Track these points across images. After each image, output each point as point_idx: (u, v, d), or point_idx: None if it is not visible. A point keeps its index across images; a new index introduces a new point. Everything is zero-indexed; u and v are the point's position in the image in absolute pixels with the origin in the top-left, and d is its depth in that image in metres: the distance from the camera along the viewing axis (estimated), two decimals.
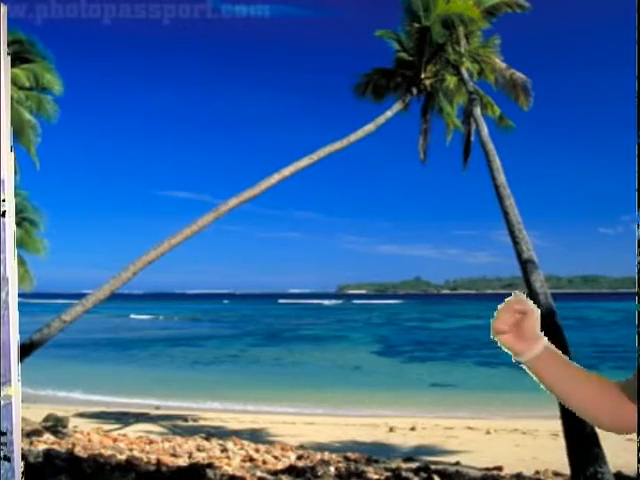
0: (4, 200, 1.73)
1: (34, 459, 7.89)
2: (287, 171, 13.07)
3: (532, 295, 9.44)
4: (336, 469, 9.47)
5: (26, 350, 10.46)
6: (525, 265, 9.74)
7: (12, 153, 1.78)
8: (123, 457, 9.26)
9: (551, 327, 9.06)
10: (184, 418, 16.33)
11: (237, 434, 13.79)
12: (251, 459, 10.46)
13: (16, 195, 1.87)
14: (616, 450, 9.42)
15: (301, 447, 12.39)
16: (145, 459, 9.33)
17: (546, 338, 1.25)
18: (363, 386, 23.02)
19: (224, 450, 11.31)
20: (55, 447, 9.73)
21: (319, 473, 8.96)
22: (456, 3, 14.07)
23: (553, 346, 1.26)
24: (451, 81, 14.98)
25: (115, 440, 11.71)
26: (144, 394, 20.13)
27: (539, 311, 1.24)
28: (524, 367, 1.26)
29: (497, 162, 11.05)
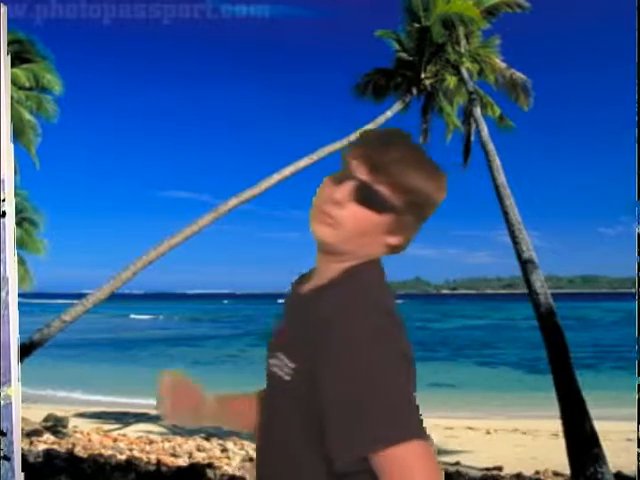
0: (4, 200, 1.73)
1: (34, 459, 7.89)
2: (287, 171, 13.07)
3: (532, 295, 9.43)
4: None
5: (26, 350, 10.46)
6: (525, 265, 9.73)
7: (12, 153, 1.78)
8: (123, 457, 9.26)
9: (551, 327, 9.05)
10: None
11: (237, 434, 13.77)
12: (251, 459, 10.46)
13: (16, 195, 1.87)
14: (616, 450, 9.42)
15: None
16: (145, 459, 9.33)
17: (210, 398, 1.44)
18: None
19: (224, 450, 11.30)
20: (55, 447, 9.73)
21: None
22: (456, 3, 14.06)
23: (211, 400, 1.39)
24: (451, 81, 14.98)
25: (115, 440, 11.71)
26: (144, 394, 20.05)
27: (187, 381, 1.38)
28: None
29: (497, 162, 11.05)
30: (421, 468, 0.90)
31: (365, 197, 1.05)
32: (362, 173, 1.06)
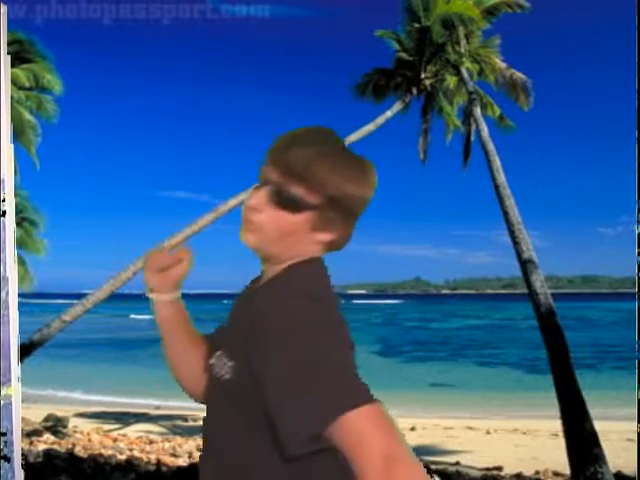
0: (4, 200, 1.73)
1: (34, 459, 7.89)
2: None
3: (532, 295, 9.44)
4: None
5: (26, 350, 10.47)
6: (525, 265, 9.73)
7: (12, 153, 1.78)
8: (123, 457, 9.26)
9: (551, 327, 9.06)
10: (184, 418, 16.32)
11: None
12: None
13: (16, 195, 1.87)
14: (616, 450, 9.43)
15: None
16: (145, 459, 9.33)
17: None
18: None
19: None
20: (55, 447, 9.73)
21: None
22: (456, 3, 14.07)
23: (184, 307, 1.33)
24: (451, 81, 14.98)
25: (115, 440, 11.71)
26: (144, 394, 20.10)
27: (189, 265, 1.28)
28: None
29: (497, 162, 11.05)
30: (375, 428, 0.92)
31: (280, 199, 1.08)
32: (274, 176, 1.09)
